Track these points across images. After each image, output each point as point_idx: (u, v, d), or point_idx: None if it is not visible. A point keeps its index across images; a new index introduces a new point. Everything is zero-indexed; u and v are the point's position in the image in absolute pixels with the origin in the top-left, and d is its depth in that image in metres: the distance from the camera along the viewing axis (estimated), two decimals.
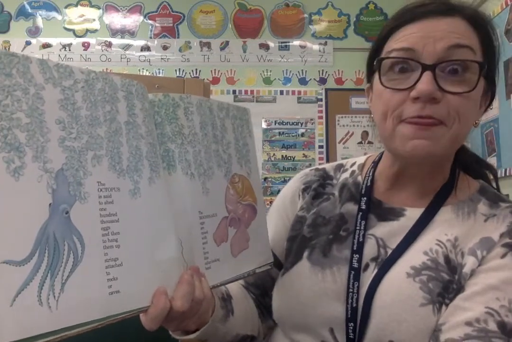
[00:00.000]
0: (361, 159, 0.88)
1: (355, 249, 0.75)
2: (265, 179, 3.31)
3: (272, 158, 3.32)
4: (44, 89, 0.47)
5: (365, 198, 0.79)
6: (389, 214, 0.77)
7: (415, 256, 0.71)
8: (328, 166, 0.90)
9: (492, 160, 2.34)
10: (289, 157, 3.33)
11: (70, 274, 0.46)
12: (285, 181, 3.22)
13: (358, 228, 0.76)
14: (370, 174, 0.82)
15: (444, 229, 0.73)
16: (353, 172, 0.86)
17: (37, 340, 0.43)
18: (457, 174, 0.77)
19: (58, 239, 0.46)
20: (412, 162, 0.74)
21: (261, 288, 0.88)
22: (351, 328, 0.69)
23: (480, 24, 0.71)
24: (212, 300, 0.68)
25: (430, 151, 0.68)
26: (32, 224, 0.44)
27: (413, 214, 0.75)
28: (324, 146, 3.32)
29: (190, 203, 0.62)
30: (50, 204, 0.45)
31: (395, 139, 0.70)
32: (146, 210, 0.55)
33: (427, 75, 0.67)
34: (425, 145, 0.68)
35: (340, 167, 0.89)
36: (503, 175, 2.23)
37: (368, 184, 0.81)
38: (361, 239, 0.75)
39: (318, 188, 0.85)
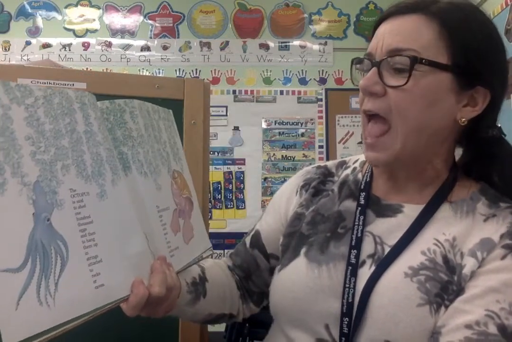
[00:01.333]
0: (363, 157, 0.89)
1: (353, 244, 0.75)
2: (265, 179, 3.31)
3: (272, 158, 3.32)
4: (11, 109, 0.50)
5: (364, 193, 0.80)
6: (386, 210, 0.77)
7: (413, 255, 0.71)
8: (331, 163, 0.91)
9: None
10: (289, 157, 3.33)
11: (60, 273, 0.51)
12: (285, 181, 3.21)
13: (356, 223, 0.77)
14: (369, 170, 0.83)
15: (442, 227, 0.73)
16: (354, 168, 0.87)
17: (40, 337, 0.48)
18: (457, 173, 0.78)
19: (45, 245, 0.50)
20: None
21: (245, 271, 0.91)
22: (346, 323, 0.70)
23: (445, 17, 0.71)
24: (179, 285, 0.72)
25: (382, 162, 0.74)
26: (21, 234, 0.49)
27: (410, 210, 0.76)
28: (324, 146, 3.32)
29: (148, 199, 0.68)
30: (33, 214, 0.50)
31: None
32: (114, 210, 0.61)
33: (371, 71, 0.72)
34: (375, 158, 0.74)
35: (342, 164, 0.90)
36: None
37: (368, 179, 0.82)
38: (359, 235, 0.76)
39: (318, 185, 0.86)
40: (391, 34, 0.72)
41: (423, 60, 0.69)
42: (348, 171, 0.87)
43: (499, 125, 0.78)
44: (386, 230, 0.75)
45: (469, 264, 0.68)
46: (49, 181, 0.52)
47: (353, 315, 0.69)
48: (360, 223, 0.77)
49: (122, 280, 0.59)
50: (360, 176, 0.84)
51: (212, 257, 0.89)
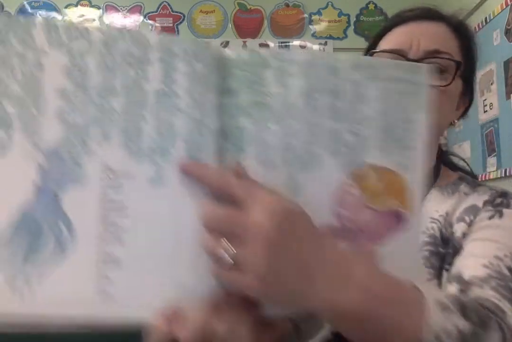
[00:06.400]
0: None
1: None
2: None
3: None
4: (46, 54, 0.42)
5: None
6: None
7: None
8: None
9: (492, 160, 2.33)
10: None
11: (51, 262, 0.42)
12: None
13: None
14: None
15: (434, 206, 0.78)
16: None
17: (13, 328, 0.41)
18: (440, 165, 0.84)
19: (41, 222, 0.41)
20: None
21: None
22: None
23: (463, 33, 0.80)
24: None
25: None
26: (11, 202, 0.41)
27: None
28: None
29: None
30: (36, 183, 0.41)
31: None
32: (171, 205, 0.44)
33: None
34: None
35: None
36: (503, 175, 2.22)
37: None
38: None
39: None
40: (426, 35, 0.76)
41: (462, 67, 0.77)
42: None
43: None
44: None
45: (459, 228, 0.73)
46: (73, 148, 0.42)
47: None
48: None
49: (143, 297, 0.44)
50: None
51: None
